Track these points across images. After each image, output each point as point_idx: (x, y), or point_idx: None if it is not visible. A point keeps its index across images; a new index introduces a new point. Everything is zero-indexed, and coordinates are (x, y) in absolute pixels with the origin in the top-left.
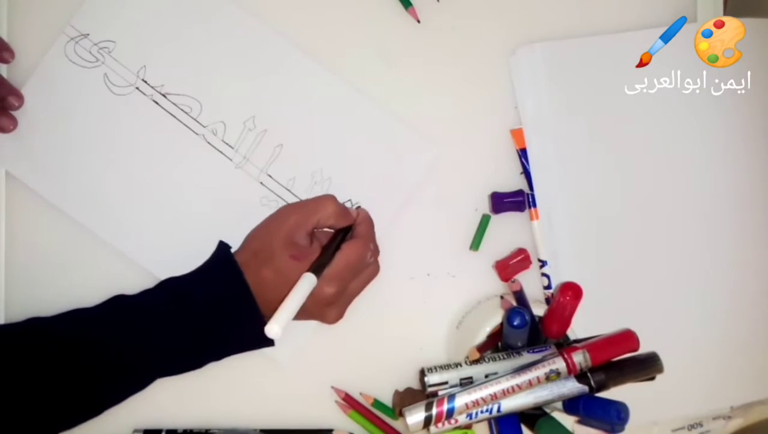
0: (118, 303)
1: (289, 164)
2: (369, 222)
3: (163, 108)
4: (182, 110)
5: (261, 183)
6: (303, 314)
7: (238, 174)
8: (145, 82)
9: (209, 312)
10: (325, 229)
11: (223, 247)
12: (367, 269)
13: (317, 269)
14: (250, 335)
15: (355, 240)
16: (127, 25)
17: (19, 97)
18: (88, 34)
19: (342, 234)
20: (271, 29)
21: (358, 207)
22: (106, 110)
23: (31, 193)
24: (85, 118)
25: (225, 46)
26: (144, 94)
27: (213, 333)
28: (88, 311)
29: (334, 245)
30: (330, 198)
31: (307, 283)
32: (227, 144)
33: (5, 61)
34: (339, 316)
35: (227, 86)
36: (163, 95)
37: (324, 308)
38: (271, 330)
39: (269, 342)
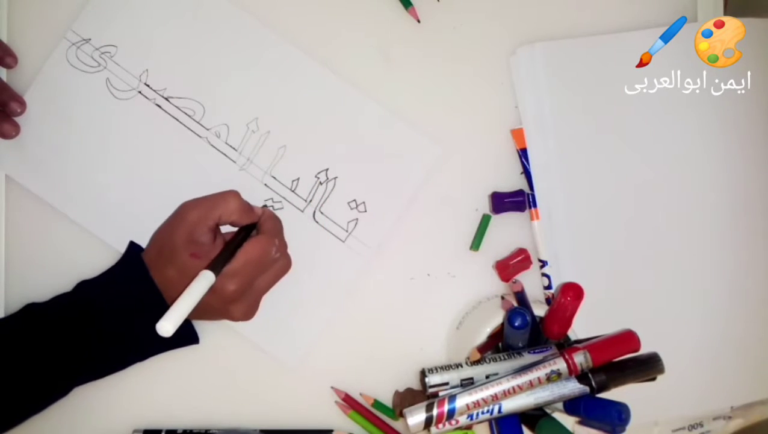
0: (28, 312)
1: (292, 165)
2: (274, 219)
3: (166, 112)
4: (185, 113)
5: (265, 185)
6: (209, 312)
7: (242, 176)
8: (148, 86)
9: (119, 314)
10: (230, 227)
11: (132, 247)
12: (274, 265)
13: (215, 266)
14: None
15: (259, 237)
16: (129, 29)
17: (22, 103)
18: (89, 39)
19: (245, 232)
20: (272, 30)
21: (264, 206)
22: (109, 115)
23: (32, 197)
24: (88, 122)
25: (227, 48)
26: (146, 98)
27: (127, 335)
28: None
29: (236, 242)
30: (233, 193)
31: (203, 280)
32: (230, 146)
33: (8, 66)
34: (247, 313)
35: (230, 89)
36: (166, 99)
37: (228, 305)
38: (162, 327)
39: (192, 340)
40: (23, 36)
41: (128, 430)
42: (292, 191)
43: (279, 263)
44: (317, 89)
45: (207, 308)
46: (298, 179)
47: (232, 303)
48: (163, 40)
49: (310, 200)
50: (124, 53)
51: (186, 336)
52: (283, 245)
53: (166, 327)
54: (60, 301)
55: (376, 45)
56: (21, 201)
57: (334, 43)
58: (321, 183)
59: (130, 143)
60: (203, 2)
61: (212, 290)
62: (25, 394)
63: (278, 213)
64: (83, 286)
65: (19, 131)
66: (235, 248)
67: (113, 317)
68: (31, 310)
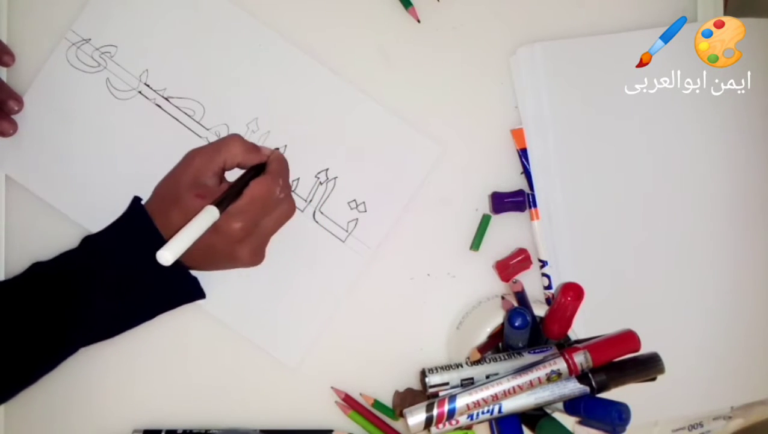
0: (34, 270)
1: (292, 165)
2: (281, 160)
3: (166, 112)
4: (185, 113)
5: None
6: (215, 255)
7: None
8: (148, 86)
9: (124, 266)
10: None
11: (134, 201)
12: (279, 206)
13: (220, 202)
14: (170, 283)
15: (264, 176)
16: (129, 29)
17: (19, 101)
18: (89, 39)
19: (252, 172)
20: (272, 30)
21: (277, 149)
22: (109, 115)
23: (32, 197)
24: (88, 122)
25: (227, 48)
26: (147, 98)
27: (133, 288)
28: (4, 284)
29: (242, 182)
30: (235, 136)
31: (207, 215)
32: None
33: (6, 65)
34: (253, 256)
35: (230, 89)
36: (166, 99)
37: (235, 246)
38: (162, 255)
39: (198, 295)
40: (23, 36)
41: (128, 430)
42: (293, 191)
43: (283, 206)
44: (317, 89)
45: (213, 252)
46: (298, 179)
47: (239, 244)
48: (163, 40)
49: (310, 200)
50: (124, 53)
51: (192, 291)
52: (288, 187)
53: (166, 255)
54: (65, 257)
55: (376, 45)
56: (21, 201)
57: (334, 43)
58: (321, 183)
59: (131, 143)
60: (203, 2)
61: (217, 230)
62: (35, 353)
63: None
64: (87, 241)
65: (17, 129)
66: (241, 187)
67: (118, 270)
68: (36, 268)
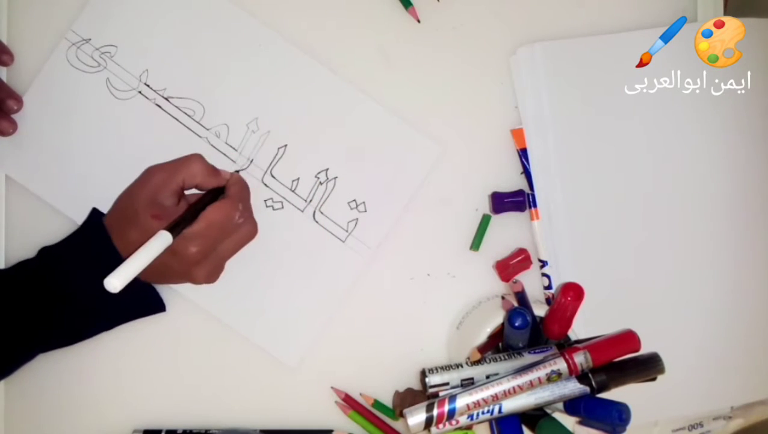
0: None
1: (292, 165)
2: (241, 184)
3: (166, 112)
4: (185, 113)
5: (265, 185)
6: (171, 274)
7: (242, 176)
8: (148, 86)
9: (81, 279)
10: (195, 190)
11: (94, 213)
12: (238, 230)
13: (174, 227)
14: (128, 296)
15: (222, 201)
16: (129, 29)
17: (18, 101)
18: (89, 39)
19: (211, 195)
20: (272, 30)
21: (237, 171)
22: (109, 115)
23: (32, 197)
24: (88, 122)
25: (227, 48)
26: (147, 98)
27: (90, 301)
28: None
29: (200, 205)
30: (197, 156)
31: (160, 240)
32: (231, 146)
33: (4, 64)
34: (210, 276)
35: (230, 88)
36: (166, 99)
37: (190, 267)
38: (110, 283)
39: (158, 308)
40: (23, 36)
41: (128, 430)
42: (292, 191)
43: (243, 229)
44: (317, 89)
45: (168, 272)
46: (298, 179)
47: (195, 266)
48: (163, 40)
49: (310, 200)
50: (124, 53)
51: (152, 304)
52: (248, 211)
53: (114, 283)
54: (22, 267)
55: (376, 45)
56: (21, 201)
57: (334, 43)
58: (321, 183)
59: (131, 143)
60: (203, 2)
61: (174, 252)
62: None
63: (278, 213)
64: (45, 252)
65: (17, 128)
66: (198, 210)
67: (75, 283)
68: None
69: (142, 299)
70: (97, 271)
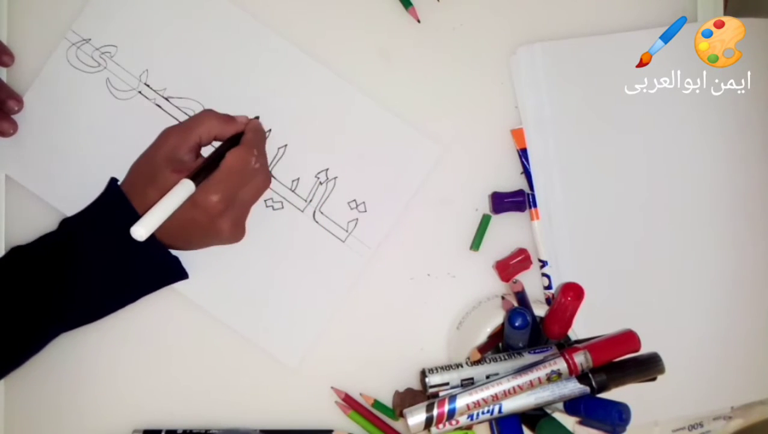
0: (13, 254)
1: (292, 164)
2: (257, 130)
3: (166, 112)
4: (185, 113)
5: None
6: (196, 231)
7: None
8: (148, 86)
9: (103, 248)
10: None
11: (111, 181)
12: (255, 177)
13: (196, 176)
14: (150, 263)
15: (238, 147)
16: (129, 29)
17: (19, 101)
18: (89, 39)
19: (229, 144)
20: (272, 30)
21: (257, 117)
22: (109, 115)
23: (32, 197)
24: (88, 122)
25: (227, 48)
26: (147, 98)
27: (113, 270)
28: None
29: (218, 155)
30: (209, 111)
31: (182, 188)
32: None
33: (5, 65)
34: (234, 229)
35: (230, 88)
36: (166, 99)
37: (215, 219)
38: (136, 231)
39: (180, 275)
40: (23, 36)
41: (128, 430)
42: (292, 191)
43: (259, 177)
44: (317, 89)
45: (193, 228)
46: (298, 178)
47: (218, 217)
48: (163, 40)
49: (310, 200)
50: (124, 53)
51: (174, 271)
52: (263, 156)
53: (140, 231)
54: (44, 240)
55: (376, 45)
56: (21, 201)
57: (335, 43)
58: (321, 183)
59: (131, 143)
60: (203, 2)
61: (196, 204)
62: (18, 335)
63: (278, 213)
64: (66, 223)
65: (17, 129)
66: (217, 160)
67: (96, 251)
68: (16, 252)
69: (165, 267)
70: (118, 236)
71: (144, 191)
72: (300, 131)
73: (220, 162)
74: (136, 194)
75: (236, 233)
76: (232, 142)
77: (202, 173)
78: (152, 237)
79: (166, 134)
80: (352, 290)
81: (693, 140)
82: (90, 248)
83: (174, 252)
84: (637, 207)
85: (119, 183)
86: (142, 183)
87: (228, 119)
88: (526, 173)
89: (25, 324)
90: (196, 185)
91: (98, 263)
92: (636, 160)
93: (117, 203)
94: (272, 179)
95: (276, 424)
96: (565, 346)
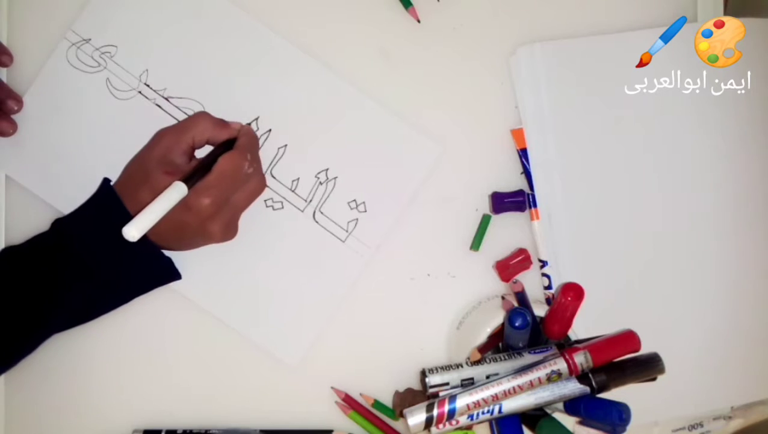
0: (5, 254)
1: (293, 164)
2: (250, 135)
3: (166, 112)
4: (185, 113)
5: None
6: (187, 233)
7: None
8: (148, 86)
9: (96, 248)
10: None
11: (104, 181)
12: (248, 181)
13: (188, 178)
14: (143, 264)
15: (232, 151)
16: (129, 29)
17: (18, 101)
18: (89, 39)
19: (222, 148)
20: (273, 30)
21: (248, 124)
22: (109, 115)
23: (32, 197)
24: (88, 122)
25: (227, 48)
26: (147, 98)
27: (105, 270)
28: None
29: (211, 158)
30: (203, 114)
31: (175, 190)
32: None
33: (4, 65)
34: (226, 230)
35: (230, 88)
36: (166, 99)
37: (206, 222)
38: (128, 231)
39: (173, 276)
40: (23, 36)
41: (128, 430)
42: (292, 191)
43: (253, 181)
44: (318, 89)
45: (185, 229)
46: (298, 179)
47: (209, 219)
48: (163, 40)
49: (310, 200)
50: (124, 53)
51: (167, 272)
52: (257, 162)
53: (132, 231)
54: (36, 240)
55: (376, 45)
56: (21, 201)
57: (335, 43)
58: (321, 183)
59: (131, 143)
60: (203, 2)
61: (188, 206)
62: (11, 335)
63: (278, 213)
64: (58, 223)
65: (17, 129)
66: (210, 163)
67: (88, 251)
68: (8, 251)
69: (157, 268)
70: (110, 236)
71: (136, 192)
72: (300, 131)
73: (213, 166)
74: (129, 194)
75: (227, 234)
76: (226, 146)
77: (194, 175)
78: (144, 238)
79: (160, 135)
80: (352, 290)
81: (693, 140)
82: (82, 248)
83: (168, 253)
84: (637, 207)
85: (112, 183)
86: (135, 184)
87: (221, 123)
88: (526, 173)
89: (17, 325)
90: (189, 187)
91: (90, 264)
92: (636, 160)
93: (109, 204)
94: (272, 179)
95: (276, 424)
96: (565, 346)
